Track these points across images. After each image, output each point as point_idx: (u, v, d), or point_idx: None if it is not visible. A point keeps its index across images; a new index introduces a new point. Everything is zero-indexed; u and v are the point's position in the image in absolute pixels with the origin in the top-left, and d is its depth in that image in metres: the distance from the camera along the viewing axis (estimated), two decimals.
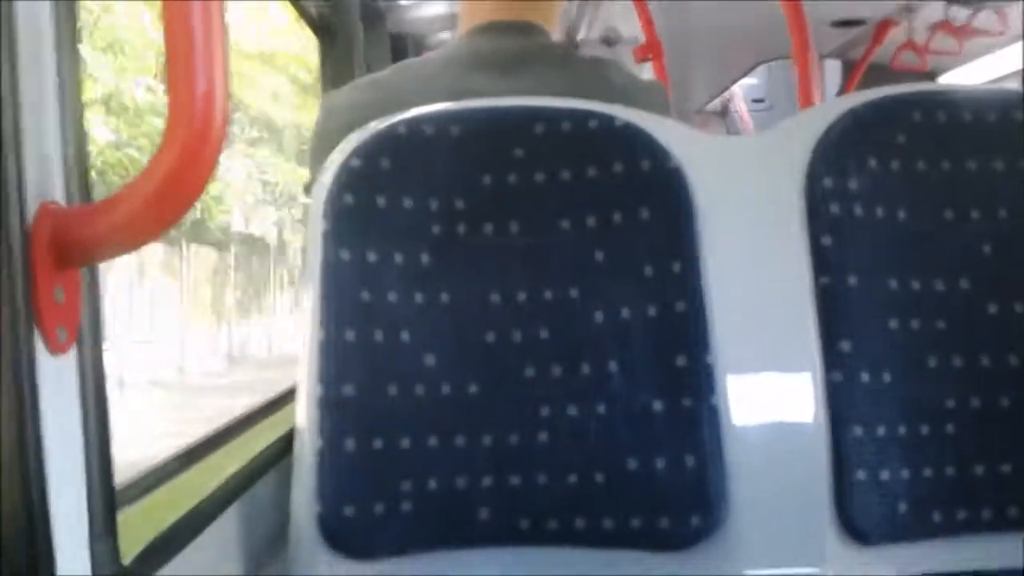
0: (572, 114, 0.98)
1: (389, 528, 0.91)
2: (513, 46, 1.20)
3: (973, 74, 3.24)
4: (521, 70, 1.18)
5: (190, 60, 0.54)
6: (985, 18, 2.69)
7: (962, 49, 2.90)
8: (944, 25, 2.74)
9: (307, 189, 1.12)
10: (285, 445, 0.99)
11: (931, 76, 3.21)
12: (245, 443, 1.24)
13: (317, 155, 1.15)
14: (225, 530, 0.88)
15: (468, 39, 1.22)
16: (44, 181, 0.58)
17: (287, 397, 1.26)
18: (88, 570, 0.59)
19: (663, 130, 0.99)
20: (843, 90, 3.25)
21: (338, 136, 1.00)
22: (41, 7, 0.59)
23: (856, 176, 0.98)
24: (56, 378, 0.57)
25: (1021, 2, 2.44)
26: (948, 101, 1.01)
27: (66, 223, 0.58)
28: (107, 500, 0.62)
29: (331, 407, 0.92)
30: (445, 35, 2.59)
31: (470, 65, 1.18)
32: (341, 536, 0.91)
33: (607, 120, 0.98)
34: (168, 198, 0.57)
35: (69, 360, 0.59)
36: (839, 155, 0.98)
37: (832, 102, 1.09)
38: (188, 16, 0.54)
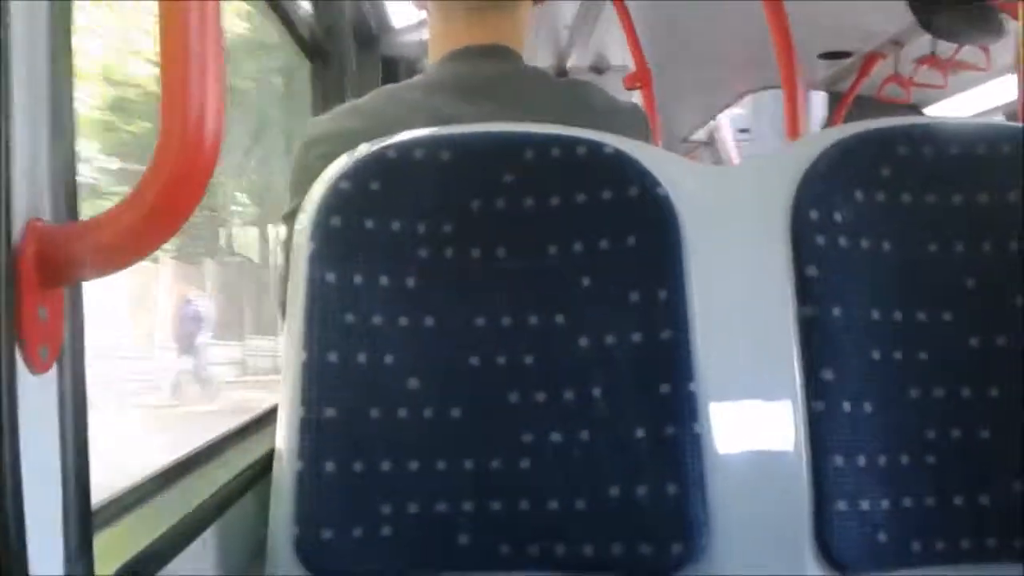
0: (561, 141, 0.99)
1: (368, 551, 0.90)
2: (490, 70, 1.20)
3: (957, 108, 3.29)
4: (501, 94, 1.18)
5: (184, 77, 0.54)
6: (970, 53, 2.73)
7: (947, 83, 2.94)
8: (930, 59, 2.78)
9: (287, 218, 1.12)
10: (264, 466, 0.98)
11: (915, 109, 3.25)
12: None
13: (297, 186, 1.14)
14: (202, 551, 0.87)
15: (445, 65, 1.23)
16: (32, 198, 0.58)
17: (267, 418, 1.25)
18: None
19: (652, 158, 1.00)
20: (829, 122, 3.29)
21: (319, 167, 1.00)
22: (36, 24, 0.59)
23: (842, 208, 0.98)
24: (36, 397, 0.57)
25: (1003, 38, 2.48)
26: (934, 135, 1.02)
27: (53, 241, 0.58)
28: (83, 520, 0.62)
29: (312, 429, 0.91)
30: None
31: (450, 90, 1.19)
32: (319, 559, 0.90)
33: (596, 147, 0.99)
34: (157, 218, 0.57)
35: (50, 379, 0.59)
36: (825, 187, 0.99)
37: (819, 134, 1.10)
38: (183, 33, 0.54)
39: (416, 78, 1.28)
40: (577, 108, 1.18)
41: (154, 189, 0.56)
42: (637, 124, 1.22)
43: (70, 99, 0.63)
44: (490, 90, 1.19)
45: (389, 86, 1.29)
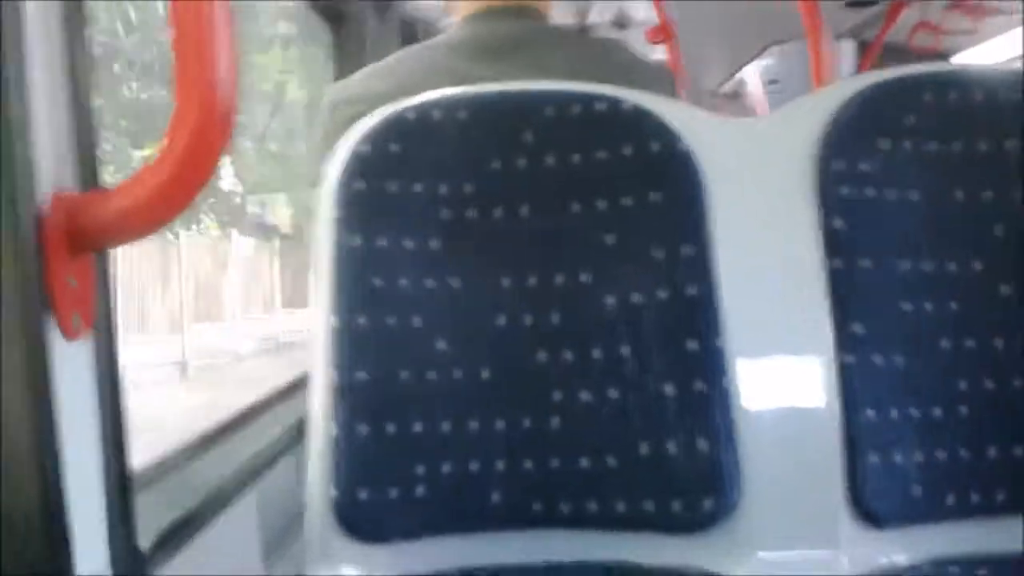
0: (581, 97, 0.98)
1: (403, 512, 0.91)
2: (512, 30, 1.20)
3: (988, 54, 3.21)
4: (522, 54, 1.18)
5: (199, 47, 0.55)
6: None
7: (977, 28, 2.86)
8: (958, 4, 2.71)
9: (314, 183, 1.13)
10: (300, 431, 1.00)
11: (945, 57, 3.18)
12: None
13: (323, 151, 1.15)
14: (241, 515, 0.89)
15: (467, 25, 1.22)
16: (56, 169, 0.59)
17: (301, 383, 1.27)
18: (105, 554, 0.60)
19: (673, 112, 0.99)
20: (857, 71, 3.23)
21: (344, 130, 1.00)
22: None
23: (867, 158, 0.97)
24: (71, 363, 0.58)
25: None
26: (960, 81, 1.00)
27: (78, 210, 0.58)
28: (122, 484, 0.63)
29: (344, 393, 0.92)
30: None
31: (471, 51, 1.18)
32: (355, 520, 0.91)
33: (616, 103, 0.98)
34: (178, 184, 0.58)
35: (84, 346, 0.60)
36: (850, 136, 0.97)
37: (842, 83, 1.08)
38: (197, 2, 0.54)
39: (438, 38, 1.27)
40: (600, 66, 1.17)
41: (174, 155, 0.57)
42: (662, 81, 1.21)
43: (88, 70, 0.63)
44: (511, 50, 1.18)
45: (410, 48, 1.28)
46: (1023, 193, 0.98)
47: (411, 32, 2.51)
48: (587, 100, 0.98)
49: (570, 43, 1.23)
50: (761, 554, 0.91)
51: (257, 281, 12.15)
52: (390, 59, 1.25)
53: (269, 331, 10.65)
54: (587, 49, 1.23)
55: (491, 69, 1.15)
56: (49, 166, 0.57)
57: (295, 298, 11.62)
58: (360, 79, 1.23)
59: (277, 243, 12.51)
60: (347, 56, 1.93)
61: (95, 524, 0.59)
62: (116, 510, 0.61)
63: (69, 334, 0.57)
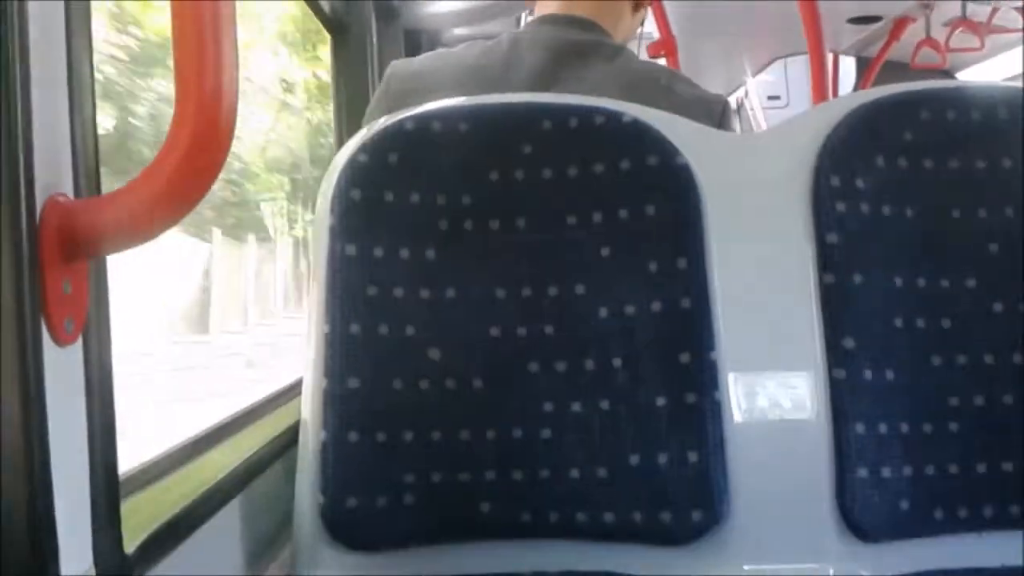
0: (579, 111, 0.99)
1: (391, 521, 0.92)
2: (572, 38, 1.22)
3: (991, 71, 3.21)
4: (577, 63, 1.20)
5: (199, 53, 0.55)
6: (1005, 14, 2.67)
7: (983, 46, 2.87)
8: (963, 22, 2.71)
9: None
10: (290, 437, 1.00)
11: (948, 74, 3.18)
12: None
13: (373, 118, 1.16)
14: (229, 520, 0.89)
15: (532, 27, 1.27)
16: (54, 174, 0.59)
17: (293, 389, 1.27)
18: (90, 559, 0.60)
19: (671, 127, 0.99)
20: (858, 87, 3.23)
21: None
22: (53, 2, 0.59)
23: (863, 174, 0.98)
24: (62, 369, 0.58)
25: None
26: (957, 99, 1.01)
27: (74, 215, 0.59)
28: (110, 490, 0.63)
29: (336, 400, 0.92)
30: (461, 31, 2.58)
31: (532, 47, 1.21)
32: (344, 528, 0.91)
33: (614, 116, 0.98)
34: (176, 192, 0.58)
35: (75, 351, 0.60)
36: (846, 153, 0.98)
37: (840, 99, 1.09)
38: (197, 8, 0.55)
39: (504, 35, 1.31)
40: (651, 91, 1.15)
41: (172, 162, 0.57)
42: (720, 116, 1.17)
43: (90, 75, 0.63)
44: (563, 56, 1.20)
45: (477, 40, 1.31)
46: (1017, 211, 0.99)
47: (416, 42, 2.51)
48: (585, 113, 0.98)
49: (629, 63, 1.23)
50: (748, 566, 0.91)
51: None
52: (458, 47, 1.30)
53: None
54: (645, 73, 1.21)
55: (545, 69, 1.18)
56: (47, 170, 0.58)
57: None
58: (424, 56, 1.29)
59: None
60: (350, 67, 1.93)
61: (81, 527, 0.60)
62: (103, 514, 0.61)
63: (61, 339, 0.57)
